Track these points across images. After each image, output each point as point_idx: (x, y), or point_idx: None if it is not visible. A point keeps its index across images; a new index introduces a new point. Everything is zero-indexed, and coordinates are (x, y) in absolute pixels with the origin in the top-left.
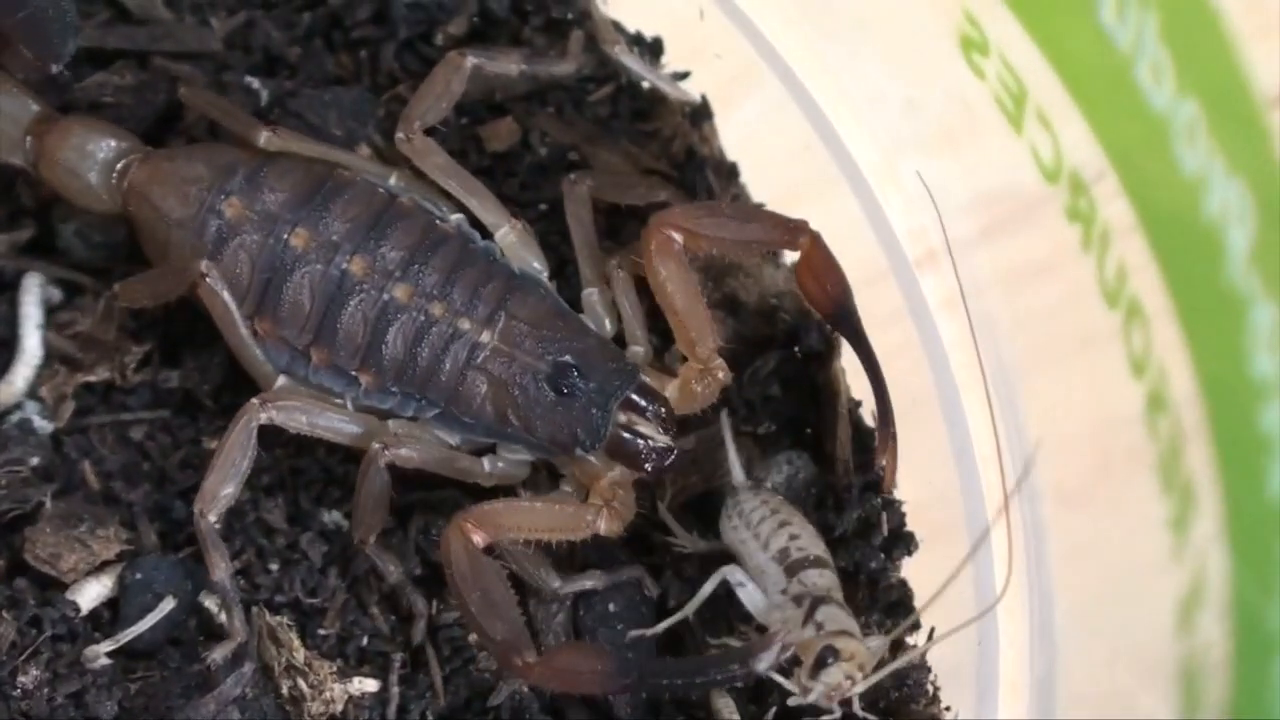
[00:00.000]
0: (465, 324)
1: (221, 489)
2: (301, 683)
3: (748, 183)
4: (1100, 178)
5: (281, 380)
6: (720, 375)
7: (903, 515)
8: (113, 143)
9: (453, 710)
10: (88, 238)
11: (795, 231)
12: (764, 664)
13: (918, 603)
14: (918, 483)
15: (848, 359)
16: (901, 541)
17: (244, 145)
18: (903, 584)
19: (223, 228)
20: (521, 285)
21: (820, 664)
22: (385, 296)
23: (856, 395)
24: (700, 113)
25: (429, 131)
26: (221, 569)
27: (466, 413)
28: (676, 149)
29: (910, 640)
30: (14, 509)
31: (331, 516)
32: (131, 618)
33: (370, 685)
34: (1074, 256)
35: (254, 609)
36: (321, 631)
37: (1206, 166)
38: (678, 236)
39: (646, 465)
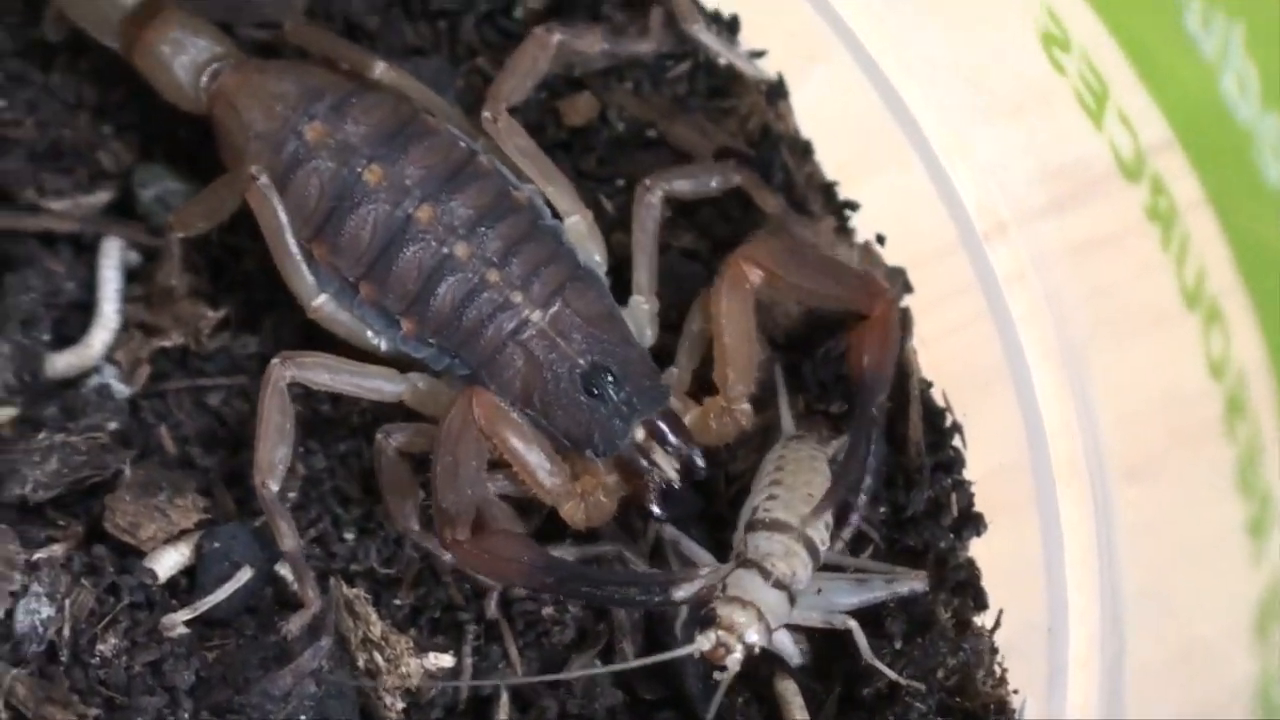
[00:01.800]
0: (517, 297)
1: (274, 455)
2: (378, 656)
3: (820, 159)
4: (1180, 179)
5: (322, 299)
6: (743, 421)
7: (972, 496)
8: (209, 44)
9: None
10: (168, 203)
11: (875, 298)
12: (679, 595)
13: (985, 582)
14: (987, 458)
15: (924, 337)
16: (970, 522)
17: (344, 74)
18: (970, 563)
19: (300, 149)
20: (583, 277)
21: (705, 622)
22: (445, 250)
23: (927, 375)
24: (776, 90)
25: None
26: (289, 539)
27: (495, 381)
28: (752, 126)
29: (977, 620)
30: (93, 475)
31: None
32: (208, 586)
33: (445, 660)
34: (1153, 255)
35: (331, 580)
36: (396, 602)
37: None
38: (757, 273)
39: (647, 493)
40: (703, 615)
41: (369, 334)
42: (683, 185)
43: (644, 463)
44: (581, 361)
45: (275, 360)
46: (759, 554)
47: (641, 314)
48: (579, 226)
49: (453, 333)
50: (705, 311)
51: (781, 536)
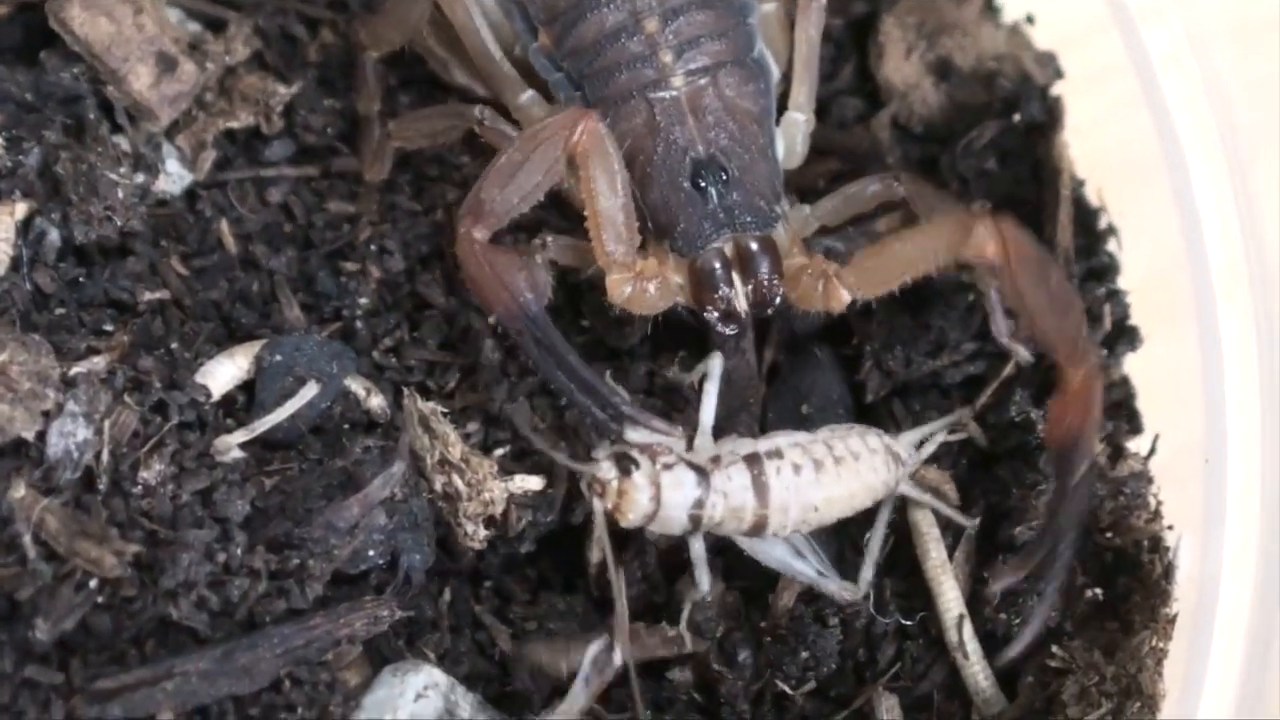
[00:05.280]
0: (667, 57)
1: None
2: (458, 480)
3: None
4: None
5: None
6: (833, 300)
7: (1127, 307)
8: None
9: None
10: None
11: (1079, 362)
12: (629, 432)
13: (1140, 401)
14: (1140, 262)
15: (1074, 125)
16: (1125, 335)
17: None
18: (1125, 382)
19: None
20: (749, 66)
21: (621, 466)
22: None
23: (1080, 174)
24: None
25: None
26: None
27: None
28: None
29: (1130, 446)
30: None
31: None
32: (268, 404)
33: (534, 483)
34: None
35: (405, 392)
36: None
37: None
38: (993, 246)
39: (708, 311)
40: (621, 455)
41: (508, 25)
42: None
43: (719, 278)
44: (701, 148)
45: None
46: (717, 488)
47: (794, 130)
48: (773, 14)
49: (585, 64)
50: (885, 192)
51: (754, 503)
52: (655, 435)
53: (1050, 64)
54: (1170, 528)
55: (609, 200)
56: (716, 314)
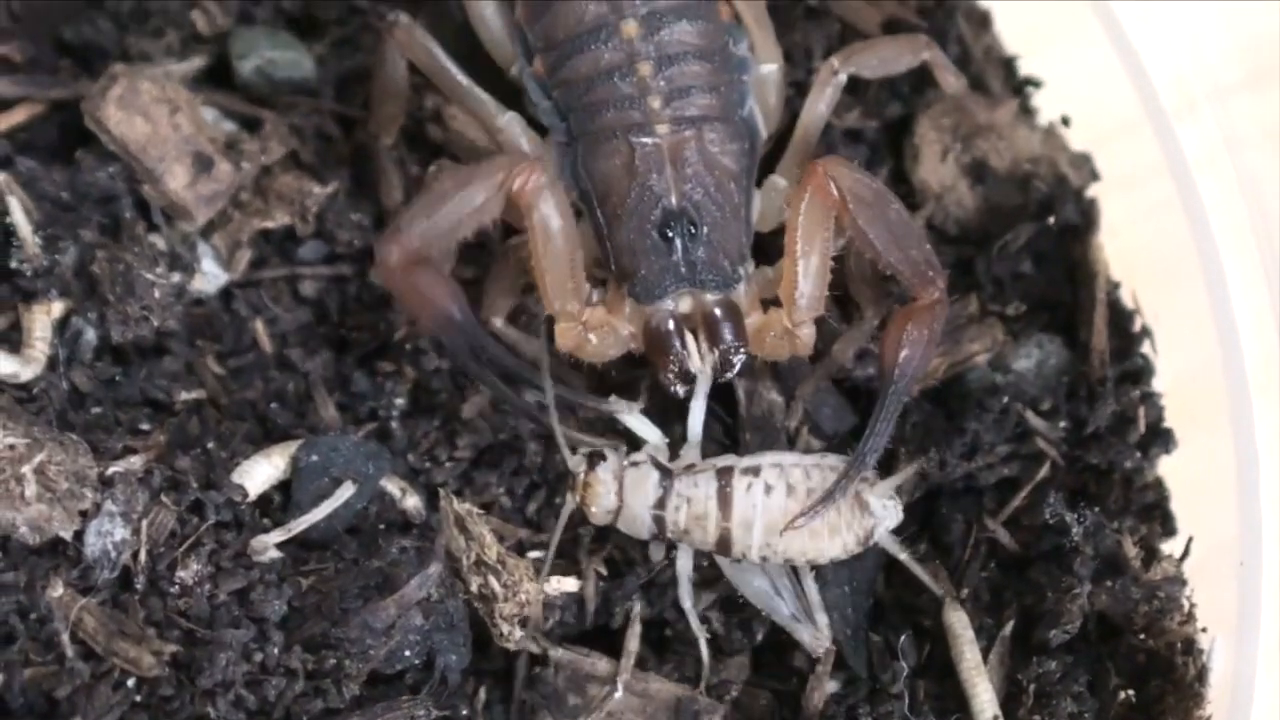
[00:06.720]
0: (655, 103)
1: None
2: (494, 581)
3: (999, 30)
4: None
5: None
6: (799, 347)
7: (1161, 410)
8: None
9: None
10: (269, 75)
11: (928, 286)
12: (625, 417)
13: (1174, 504)
14: (1175, 364)
15: (1107, 225)
16: (1160, 438)
17: None
18: (1159, 484)
19: None
20: (736, 124)
21: (590, 461)
22: (612, 18)
23: (1115, 276)
24: None
25: None
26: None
27: (585, 164)
28: None
29: (1165, 548)
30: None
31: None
32: (304, 504)
33: (569, 584)
34: None
35: (440, 493)
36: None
37: None
38: (834, 194)
39: (666, 371)
40: (593, 452)
41: (509, 45)
42: (871, 65)
43: (675, 340)
44: (674, 199)
45: (395, 17)
46: (680, 492)
47: (774, 196)
48: (769, 77)
49: (574, 97)
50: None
51: (717, 513)
52: (635, 425)
53: (1086, 166)
54: (1204, 630)
55: (554, 252)
56: (671, 374)
